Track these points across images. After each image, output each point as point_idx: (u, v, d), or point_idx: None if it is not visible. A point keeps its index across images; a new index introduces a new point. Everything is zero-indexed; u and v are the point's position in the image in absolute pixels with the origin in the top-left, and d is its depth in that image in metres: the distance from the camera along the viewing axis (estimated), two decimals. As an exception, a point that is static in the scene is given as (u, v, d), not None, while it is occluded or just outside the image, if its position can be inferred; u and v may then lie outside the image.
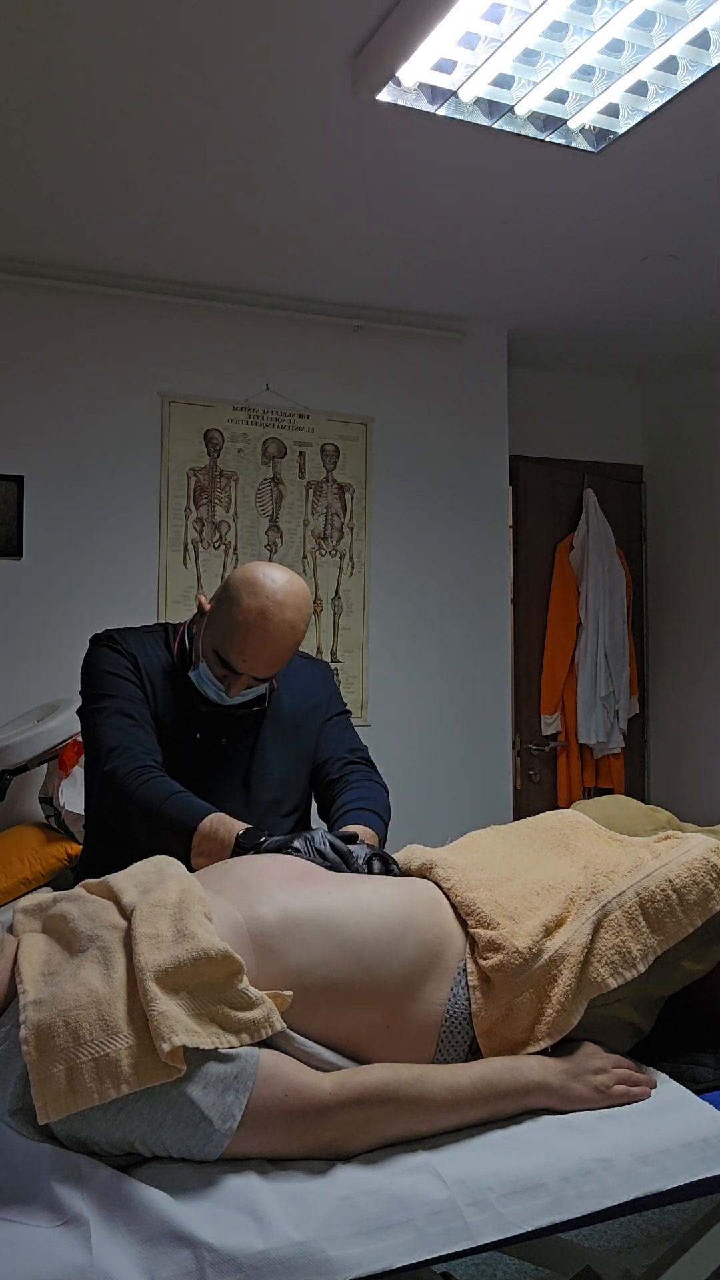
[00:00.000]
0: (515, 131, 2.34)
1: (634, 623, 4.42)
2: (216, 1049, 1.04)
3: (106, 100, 2.32)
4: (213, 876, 1.30)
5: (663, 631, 4.49)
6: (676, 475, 4.42)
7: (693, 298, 3.53)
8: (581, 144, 2.42)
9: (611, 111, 2.30)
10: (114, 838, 1.72)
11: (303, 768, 1.89)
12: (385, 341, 3.74)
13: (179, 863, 1.30)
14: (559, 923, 1.29)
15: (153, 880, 1.23)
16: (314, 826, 1.63)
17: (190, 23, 2.04)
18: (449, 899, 1.34)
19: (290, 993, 1.13)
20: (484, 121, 2.30)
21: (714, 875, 1.32)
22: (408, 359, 3.79)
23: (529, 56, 2.09)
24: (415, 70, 2.13)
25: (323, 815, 1.86)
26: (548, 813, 1.61)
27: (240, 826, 1.54)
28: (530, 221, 2.93)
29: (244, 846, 1.49)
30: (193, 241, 3.10)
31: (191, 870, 1.35)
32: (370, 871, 1.43)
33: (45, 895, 1.27)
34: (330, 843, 1.44)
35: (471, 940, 1.28)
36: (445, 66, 2.13)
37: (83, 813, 2.46)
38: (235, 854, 1.49)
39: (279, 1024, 1.09)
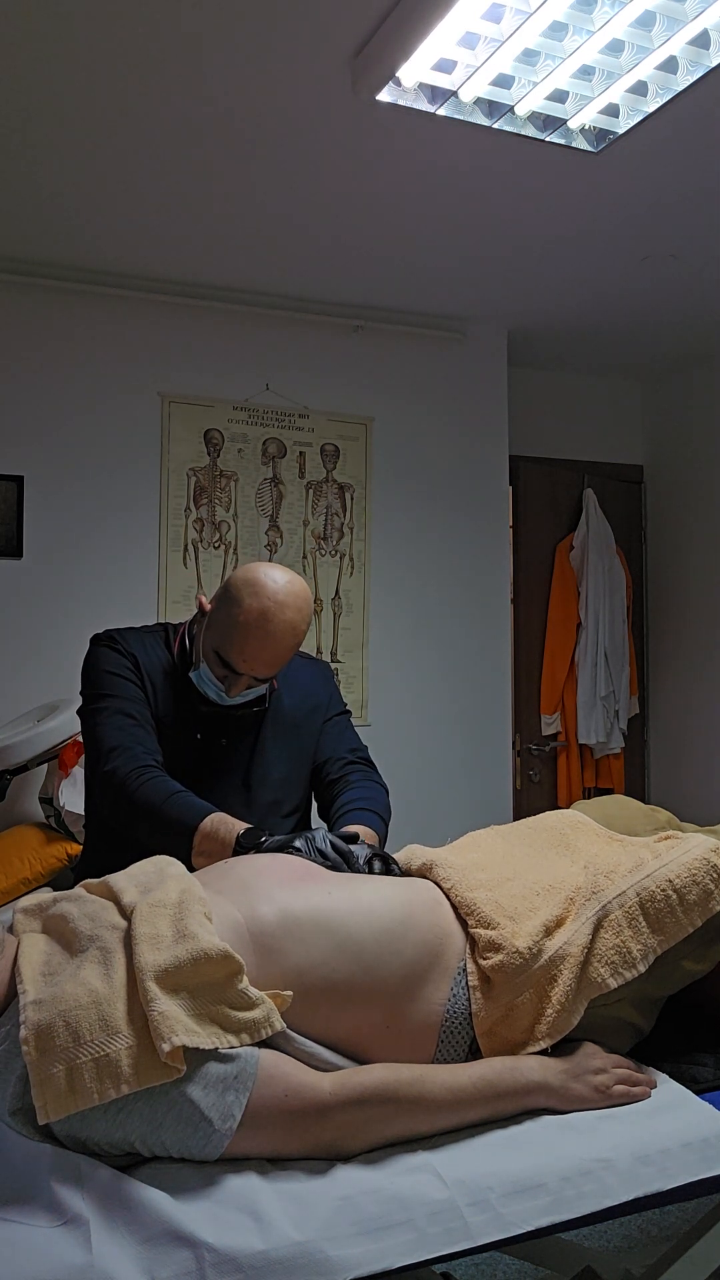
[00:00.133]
0: (515, 131, 2.34)
1: (634, 623, 4.42)
2: (216, 1049, 1.04)
3: (106, 100, 2.32)
4: (213, 876, 1.30)
5: (663, 631, 4.49)
6: (676, 475, 4.42)
7: (693, 298, 3.53)
8: (581, 144, 2.42)
9: (611, 111, 2.30)
10: (114, 838, 1.72)
11: (303, 768, 1.89)
12: (385, 341, 3.74)
13: (179, 863, 1.30)
14: (559, 923, 1.29)
15: (153, 880, 1.23)
16: (314, 826, 1.62)
17: (190, 23, 2.04)
18: (449, 899, 1.34)
19: (290, 993, 1.13)
20: (484, 121, 2.30)
21: (714, 875, 1.32)
22: (408, 359, 3.79)
23: (529, 56, 2.09)
24: (415, 70, 2.13)
25: (323, 815, 1.86)
26: (548, 813, 1.61)
27: (241, 826, 1.54)
28: (530, 221, 2.93)
29: (245, 846, 1.49)
30: (193, 241, 3.10)
31: (192, 870, 1.35)
32: (371, 871, 1.43)
33: (45, 895, 1.27)
34: (331, 842, 1.44)
35: (471, 940, 1.28)
36: (445, 66, 2.13)
37: (83, 813, 2.46)
38: (236, 853, 1.49)
39: (279, 1024, 1.09)
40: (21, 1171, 1.00)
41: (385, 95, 2.20)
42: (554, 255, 3.18)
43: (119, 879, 1.24)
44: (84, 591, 3.34)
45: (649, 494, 4.57)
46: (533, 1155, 1.09)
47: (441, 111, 2.27)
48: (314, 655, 2.70)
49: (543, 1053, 1.22)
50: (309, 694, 1.92)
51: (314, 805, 1.94)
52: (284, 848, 1.44)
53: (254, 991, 1.09)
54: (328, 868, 1.39)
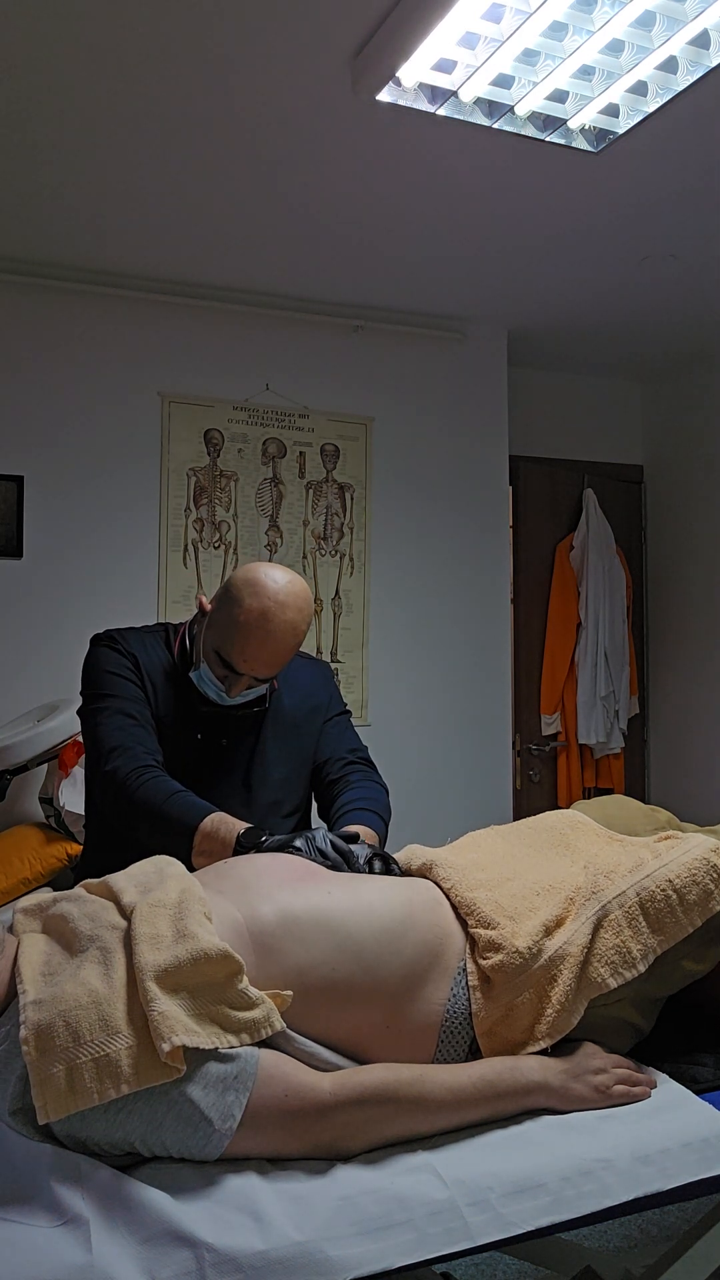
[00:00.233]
0: (515, 131, 2.35)
1: (634, 623, 4.42)
2: (216, 1049, 1.04)
3: (107, 100, 2.32)
4: (212, 876, 1.30)
5: (663, 631, 4.49)
6: (676, 475, 4.42)
7: (693, 298, 3.54)
8: (581, 144, 2.42)
9: (611, 111, 2.30)
10: (114, 838, 1.72)
11: (303, 768, 1.89)
12: (385, 341, 3.75)
13: (179, 862, 1.30)
14: (559, 923, 1.29)
15: (152, 880, 1.23)
16: (314, 826, 1.62)
17: (190, 23, 2.04)
18: (449, 899, 1.34)
19: (290, 992, 1.13)
20: (484, 121, 2.30)
21: (714, 875, 1.32)
22: (408, 359, 3.79)
23: (529, 56, 2.09)
24: (415, 70, 2.13)
25: (323, 815, 1.86)
26: (548, 813, 1.61)
27: (241, 826, 1.53)
28: (530, 221, 2.93)
29: (245, 846, 1.49)
30: (192, 241, 3.10)
31: (192, 870, 1.35)
32: (371, 871, 1.43)
33: (45, 895, 1.27)
34: (332, 842, 1.44)
35: (471, 940, 1.28)
36: (445, 66, 2.13)
37: (83, 813, 2.46)
38: (236, 853, 1.48)
39: (279, 1024, 1.09)
40: (21, 1171, 1.00)
41: (385, 95, 2.20)
42: (554, 255, 3.18)
43: (119, 879, 1.24)
44: (84, 591, 3.34)
45: (649, 494, 4.57)
46: (533, 1155, 1.09)
47: (441, 111, 2.27)
48: (314, 655, 2.70)
49: (543, 1053, 1.22)
50: (309, 694, 1.92)
51: (314, 805, 1.94)
52: (284, 847, 1.44)
53: (254, 991, 1.09)
54: (328, 867, 1.39)
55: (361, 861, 1.43)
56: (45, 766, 3.07)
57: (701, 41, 2.05)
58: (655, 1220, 2.32)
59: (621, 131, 2.37)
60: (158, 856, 1.32)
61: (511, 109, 2.27)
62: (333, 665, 3.61)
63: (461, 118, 2.29)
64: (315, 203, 2.83)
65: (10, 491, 3.27)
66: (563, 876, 1.36)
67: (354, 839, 1.50)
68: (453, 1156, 1.09)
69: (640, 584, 4.54)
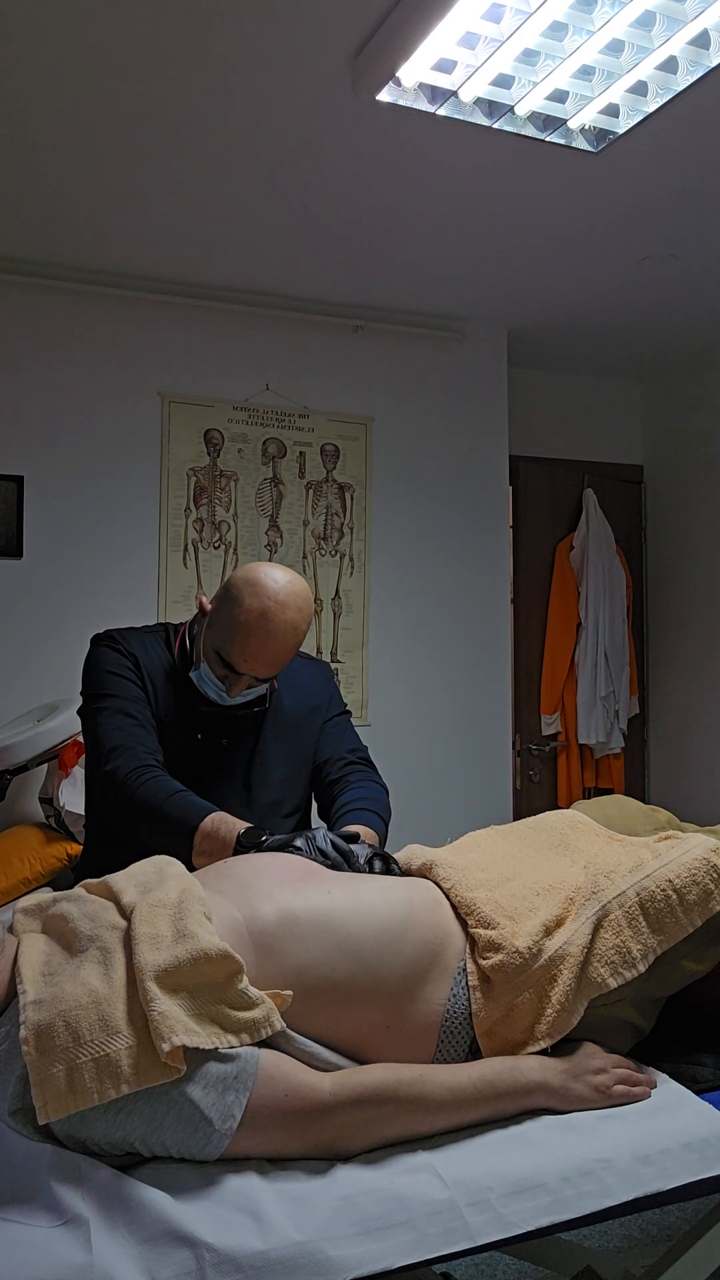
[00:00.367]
0: (515, 131, 2.35)
1: (634, 623, 4.42)
2: (216, 1049, 1.04)
3: (107, 100, 2.32)
4: (212, 876, 1.30)
5: (663, 631, 4.49)
6: (676, 475, 4.42)
7: (693, 298, 3.54)
8: (581, 144, 2.42)
9: (611, 111, 2.30)
10: (114, 838, 1.72)
11: (303, 768, 1.89)
12: (385, 341, 3.75)
13: (178, 862, 1.29)
14: (559, 923, 1.29)
15: (152, 880, 1.23)
16: (314, 826, 1.62)
17: (190, 23, 2.04)
18: (449, 899, 1.34)
19: (290, 992, 1.13)
20: (484, 121, 2.30)
21: (714, 875, 1.32)
22: (408, 359, 3.79)
23: (529, 56, 2.09)
24: (415, 70, 2.13)
25: (323, 815, 1.86)
26: (548, 813, 1.61)
27: (241, 825, 1.53)
28: (530, 221, 2.94)
29: (245, 845, 1.49)
30: (192, 241, 3.10)
31: (192, 869, 1.35)
32: (371, 871, 1.43)
33: (45, 895, 1.27)
34: (332, 841, 1.44)
35: (471, 940, 1.28)
36: (445, 66, 2.13)
37: (83, 813, 2.46)
38: (236, 853, 1.48)
39: (279, 1024, 1.09)
40: (21, 1171, 1.00)
41: (385, 95, 2.20)
42: (554, 255, 3.18)
43: (119, 879, 1.24)
44: (84, 591, 3.34)
45: (649, 494, 4.57)
46: (533, 1155, 1.09)
47: (441, 111, 2.27)
48: (314, 655, 2.70)
49: (543, 1053, 1.22)
50: (309, 694, 1.92)
51: (314, 805, 1.94)
52: (285, 847, 1.44)
53: (254, 991, 1.09)
54: (328, 867, 1.39)
55: (362, 861, 1.43)
56: (45, 766, 3.07)
57: (701, 41, 2.05)
58: (655, 1220, 2.32)
59: (621, 131, 2.37)
60: (158, 856, 1.31)
61: (511, 109, 2.27)
62: (333, 665, 3.61)
63: (461, 118, 2.29)
64: (315, 203, 2.83)
65: (10, 491, 3.27)
66: (563, 876, 1.36)
67: (354, 839, 1.50)
68: (453, 1156, 1.09)
69: (640, 584, 4.54)
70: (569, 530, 4.21)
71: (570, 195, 2.76)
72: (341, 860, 1.42)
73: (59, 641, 3.20)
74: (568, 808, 1.64)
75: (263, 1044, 1.09)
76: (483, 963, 1.25)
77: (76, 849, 2.83)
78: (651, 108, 2.26)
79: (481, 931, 1.27)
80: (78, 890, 1.26)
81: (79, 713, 1.80)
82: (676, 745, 4.39)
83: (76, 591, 3.33)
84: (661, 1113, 1.18)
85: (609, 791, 4.25)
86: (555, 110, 2.30)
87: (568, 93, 2.23)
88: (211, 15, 2.02)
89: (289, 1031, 1.12)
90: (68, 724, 2.86)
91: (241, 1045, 1.06)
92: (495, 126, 2.32)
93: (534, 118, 2.33)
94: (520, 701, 4.05)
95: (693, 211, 2.86)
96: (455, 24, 1.97)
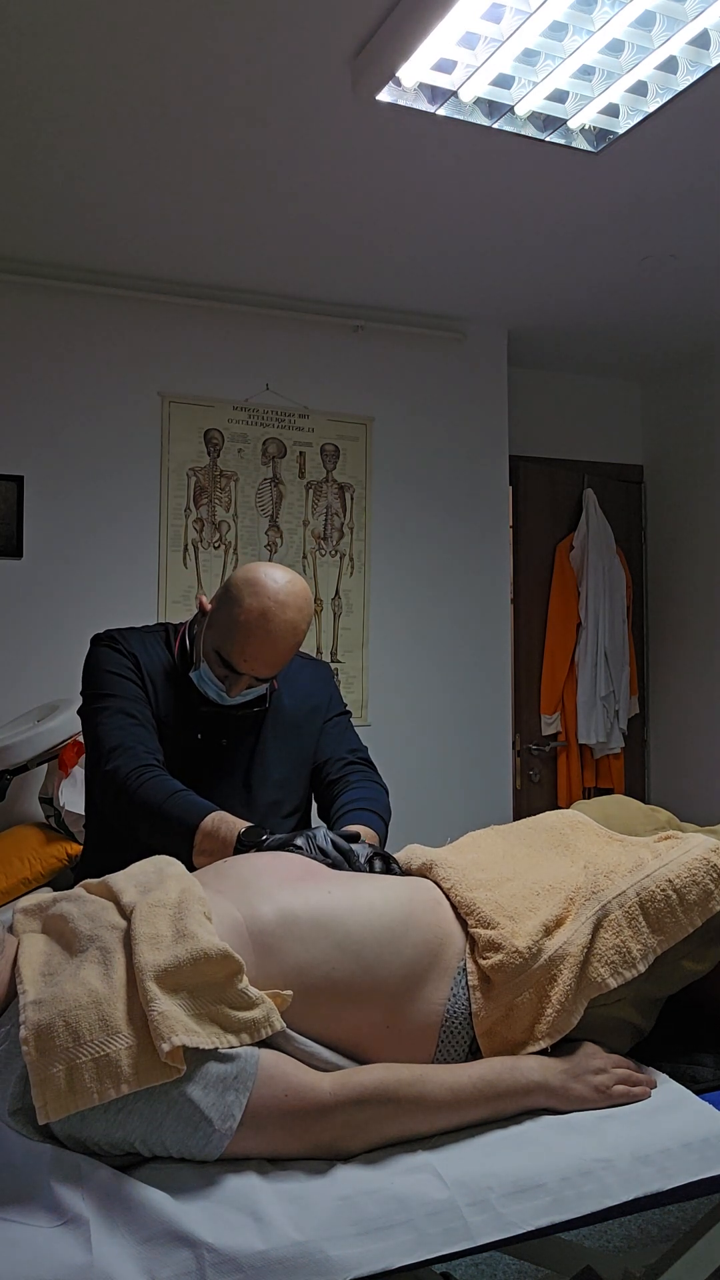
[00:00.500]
0: (515, 131, 2.35)
1: (634, 623, 4.42)
2: (216, 1049, 1.04)
3: (107, 100, 2.32)
4: (212, 875, 1.30)
5: (663, 631, 4.49)
6: (676, 475, 4.42)
7: (693, 298, 3.54)
8: (581, 144, 2.43)
9: (611, 111, 2.30)
10: (114, 838, 1.72)
11: (303, 768, 1.89)
12: (385, 341, 3.75)
13: (178, 862, 1.29)
14: (559, 923, 1.29)
15: (152, 880, 1.23)
16: (314, 826, 1.62)
17: (190, 23, 2.04)
18: (449, 899, 1.34)
19: (290, 992, 1.13)
20: (484, 121, 2.30)
21: (714, 875, 1.32)
22: (408, 359, 3.79)
23: (529, 56, 2.09)
24: (415, 70, 2.13)
25: (323, 815, 1.86)
26: (548, 813, 1.61)
27: (242, 825, 1.53)
28: (530, 221, 2.94)
29: (246, 845, 1.49)
30: (193, 241, 3.11)
31: (192, 869, 1.35)
32: (371, 870, 1.43)
33: (45, 895, 1.27)
34: (332, 841, 1.44)
35: (471, 940, 1.28)
36: (445, 66, 2.13)
37: (83, 813, 2.46)
38: (237, 852, 1.48)
39: (279, 1024, 1.09)
40: (21, 1171, 1.00)
41: (385, 95, 2.20)
42: (554, 255, 3.18)
43: (118, 879, 1.24)
44: (84, 591, 3.34)
45: (649, 494, 4.57)
46: (533, 1155, 1.09)
47: (441, 111, 2.27)
48: (314, 655, 2.70)
49: (543, 1053, 1.22)
50: (309, 694, 1.92)
51: (314, 806, 1.94)
52: (285, 846, 1.44)
53: (254, 991, 1.09)
54: (328, 866, 1.39)
55: (362, 861, 1.43)
56: (45, 766, 3.07)
57: (701, 41, 2.05)
58: (655, 1220, 2.32)
59: (621, 131, 2.37)
60: (158, 856, 1.31)
61: (511, 109, 2.27)
62: (333, 665, 3.61)
63: (461, 118, 2.29)
64: (315, 203, 2.83)
65: (10, 491, 3.27)
66: (563, 876, 1.36)
67: (355, 838, 1.50)
68: (453, 1156, 1.09)
69: (640, 584, 4.54)
70: (569, 530, 4.21)
71: (570, 195, 2.76)
72: (342, 860, 1.42)
73: (59, 641, 3.20)
74: (568, 808, 1.64)
75: (263, 1044, 1.09)
76: (483, 963, 1.25)
77: (76, 849, 2.83)
78: (651, 108, 2.26)
79: (481, 931, 1.27)
80: (78, 890, 1.26)
81: (79, 712, 1.80)
82: (676, 745, 4.39)
83: (76, 591, 3.33)
84: (661, 1113, 1.18)
85: (609, 791, 4.25)
86: (555, 110, 2.30)
87: (568, 93, 2.23)
88: (211, 15, 2.02)
89: (289, 1031, 1.12)
90: (68, 724, 2.86)
91: (241, 1045, 1.06)
92: (495, 126, 2.32)
93: (534, 118, 2.33)
94: (520, 701, 4.05)
95: (693, 211, 2.86)
96: (455, 24, 1.97)
